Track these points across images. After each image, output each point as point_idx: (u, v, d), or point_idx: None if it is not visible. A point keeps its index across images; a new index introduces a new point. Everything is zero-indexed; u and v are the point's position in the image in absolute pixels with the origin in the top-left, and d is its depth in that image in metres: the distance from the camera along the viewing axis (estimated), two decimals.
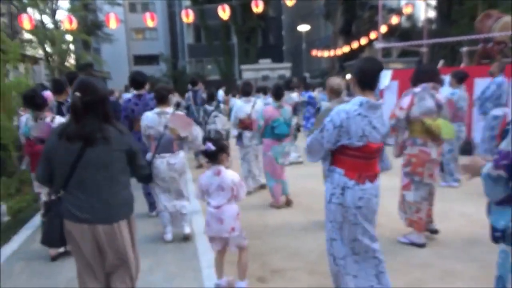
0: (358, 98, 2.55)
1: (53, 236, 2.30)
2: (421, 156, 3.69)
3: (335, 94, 4.28)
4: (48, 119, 3.74)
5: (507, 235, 1.77)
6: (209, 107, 7.29)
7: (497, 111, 6.80)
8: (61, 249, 3.78)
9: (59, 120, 3.76)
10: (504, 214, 1.79)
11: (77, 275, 2.40)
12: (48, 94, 3.87)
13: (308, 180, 5.91)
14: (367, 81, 2.58)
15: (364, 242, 2.63)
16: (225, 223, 2.89)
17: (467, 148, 7.37)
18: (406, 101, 3.71)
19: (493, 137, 6.93)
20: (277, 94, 5.30)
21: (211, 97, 7.51)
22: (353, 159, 2.56)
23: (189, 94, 8.29)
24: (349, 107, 2.53)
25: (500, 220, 1.80)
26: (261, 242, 4.07)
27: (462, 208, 4.66)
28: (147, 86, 5.03)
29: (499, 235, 1.81)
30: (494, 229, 1.84)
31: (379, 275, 2.70)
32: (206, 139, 3.04)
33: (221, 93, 15.77)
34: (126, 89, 11.15)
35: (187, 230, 4.16)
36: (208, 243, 4.00)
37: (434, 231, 3.97)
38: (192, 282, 3.27)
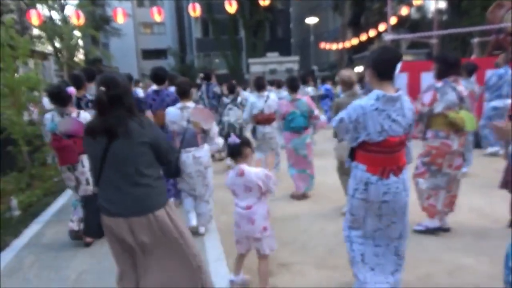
0: (375, 92, 2.48)
1: (92, 228, 2.42)
2: (442, 148, 3.67)
3: (346, 86, 4.38)
4: (74, 114, 3.88)
5: None
6: (226, 99, 7.34)
7: (498, 102, 6.79)
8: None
9: (84, 115, 3.91)
10: None
11: (116, 272, 2.42)
12: (72, 90, 4.01)
13: (318, 173, 5.87)
14: (385, 71, 2.51)
15: (388, 234, 2.63)
16: (256, 223, 2.78)
17: (475, 140, 7.29)
18: (428, 96, 3.67)
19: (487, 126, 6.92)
20: (293, 86, 5.21)
21: (232, 90, 7.52)
22: (374, 154, 2.53)
23: (202, 88, 8.48)
24: (365, 102, 2.46)
25: None
26: None
27: (471, 201, 4.60)
28: (166, 82, 5.12)
29: None
30: None
31: (395, 273, 2.69)
32: (229, 133, 2.88)
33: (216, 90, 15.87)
34: (136, 84, 11.25)
35: (201, 230, 4.20)
36: (216, 237, 4.06)
37: (446, 229, 3.91)
38: None
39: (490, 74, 6.97)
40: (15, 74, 6.33)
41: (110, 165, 2.23)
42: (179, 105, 4.04)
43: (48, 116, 3.98)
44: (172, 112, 4.02)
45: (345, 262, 3.34)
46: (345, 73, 4.41)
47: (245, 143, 2.82)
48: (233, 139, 2.77)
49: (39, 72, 8.28)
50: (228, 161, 6.89)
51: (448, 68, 3.67)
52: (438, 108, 3.64)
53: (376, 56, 2.56)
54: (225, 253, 3.70)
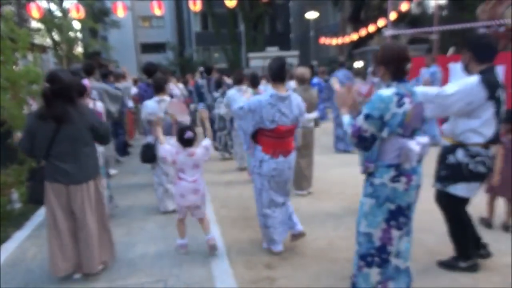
0: (270, 91, 3.29)
1: (38, 196, 3.04)
2: None
3: (301, 81, 5.05)
4: (90, 105, 4.17)
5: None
6: (215, 94, 7.62)
7: None
8: None
9: (99, 104, 4.41)
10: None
11: (47, 228, 3.06)
12: (87, 82, 4.34)
13: (317, 168, 5.90)
14: (275, 76, 3.31)
15: (278, 200, 3.46)
16: (199, 193, 3.46)
17: None
18: (365, 89, 3.93)
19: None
20: (253, 83, 5.94)
21: (219, 85, 7.89)
22: (268, 138, 3.31)
23: (202, 82, 8.58)
24: (262, 98, 3.28)
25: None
26: None
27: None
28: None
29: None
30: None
31: (291, 215, 3.56)
32: (183, 128, 3.40)
33: (228, 81, 15.82)
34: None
35: (171, 207, 4.66)
36: (217, 230, 4.10)
37: None
38: (200, 268, 3.32)
39: (423, 72, 7.87)
40: (14, 67, 6.30)
41: (60, 144, 2.91)
42: (156, 98, 4.49)
43: None
44: (150, 105, 4.46)
45: (345, 255, 3.39)
46: (299, 70, 5.13)
47: (195, 134, 3.45)
48: (188, 134, 3.37)
49: (38, 65, 8.25)
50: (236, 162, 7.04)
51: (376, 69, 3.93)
52: None
53: (269, 65, 3.35)
54: (226, 245, 3.75)
